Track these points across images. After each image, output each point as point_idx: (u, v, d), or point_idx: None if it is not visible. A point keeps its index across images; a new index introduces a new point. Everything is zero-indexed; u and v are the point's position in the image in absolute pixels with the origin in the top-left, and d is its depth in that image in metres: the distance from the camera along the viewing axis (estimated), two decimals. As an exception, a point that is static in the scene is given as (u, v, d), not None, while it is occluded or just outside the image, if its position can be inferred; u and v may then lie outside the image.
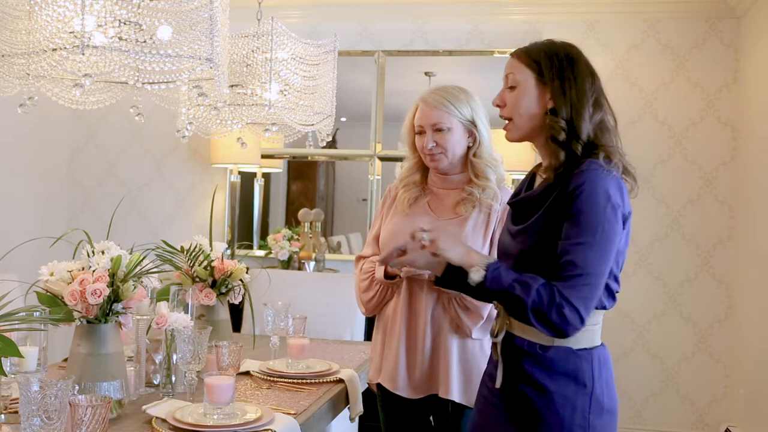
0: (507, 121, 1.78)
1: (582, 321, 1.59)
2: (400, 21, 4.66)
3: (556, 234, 1.64)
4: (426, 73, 4.69)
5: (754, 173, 4.00)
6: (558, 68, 1.70)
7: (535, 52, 1.74)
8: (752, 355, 3.94)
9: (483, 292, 1.70)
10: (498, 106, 1.79)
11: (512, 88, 1.75)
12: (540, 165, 1.86)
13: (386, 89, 4.69)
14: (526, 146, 4.19)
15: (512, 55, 1.78)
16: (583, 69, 1.72)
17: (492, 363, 1.85)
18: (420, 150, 2.31)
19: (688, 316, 4.35)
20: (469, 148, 2.29)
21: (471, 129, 2.28)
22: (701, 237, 4.34)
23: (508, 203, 1.87)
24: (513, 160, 4.05)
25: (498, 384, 1.75)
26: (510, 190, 2.37)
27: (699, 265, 4.34)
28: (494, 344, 1.80)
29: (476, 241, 2.23)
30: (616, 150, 1.70)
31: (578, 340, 1.68)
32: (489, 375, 1.86)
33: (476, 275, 1.66)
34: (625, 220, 1.66)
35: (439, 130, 2.25)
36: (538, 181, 1.81)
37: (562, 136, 1.68)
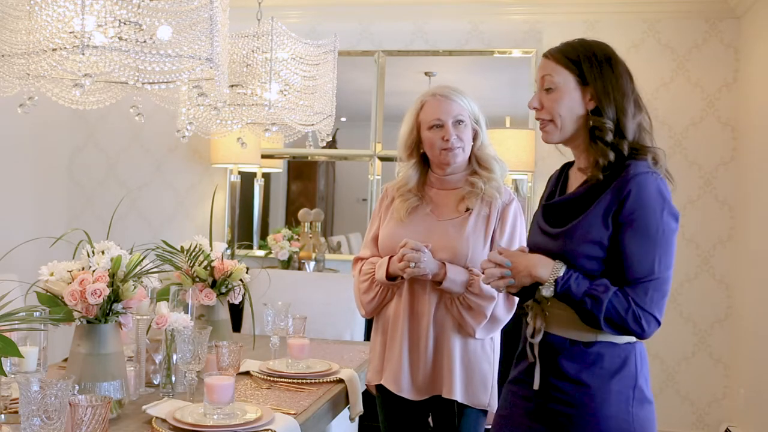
0: (544, 123, 1.76)
1: (659, 323, 1.64)
2: (400, 21, 4.66)
3: (605, 236, 1.64)
4: (426, 73, 4.69)
5: (754, 173, 4.00)
6: (599, 69, 1.70)
7: (572, 53, 1.73)
8: (752, 355, 3.94)
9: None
10: (535, 108, 1.77)
11: (549, 90, 1.73)
12: (568, 164, 1.86)
13: (386, 89, 4.69)
14: (526, 147, 4.21)
15: (547, 56, 1.76)
16: (622, 69, 1.72)
17: (521, 366, 1.82)
18: (433, 146, 2.27)
19: (688, 316, 4.35)
20: (471, 146, 2.30)
21: (475, 127, 2.29)
22: (701, 237, 4.34)
23: (543, 204, 1.83)
24: (513, 161, 4.04)
25: (536, 385, 1.73)
26: (510, 190, 2.37)
27: (699, 265, 4.34)
28: (530, 345, 1.77)
29: (477, 242, 2.23)
30: (662, 153, 1.71)
31: (621, 336, 1.68)
32: (516, 381, 1.83)
33: (546, 291, 1.66)
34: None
35: (459, 122, 2.25)
36: (574, 179, 1.80)
37: (610, 137, 1.68)
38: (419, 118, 2.30)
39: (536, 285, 1.70)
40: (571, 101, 1.71)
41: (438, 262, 2.20)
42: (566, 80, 1.72)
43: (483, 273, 1.78)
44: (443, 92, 2.28)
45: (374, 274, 2.30)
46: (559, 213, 1.76)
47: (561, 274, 1.65)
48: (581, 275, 1.64)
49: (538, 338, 1.74)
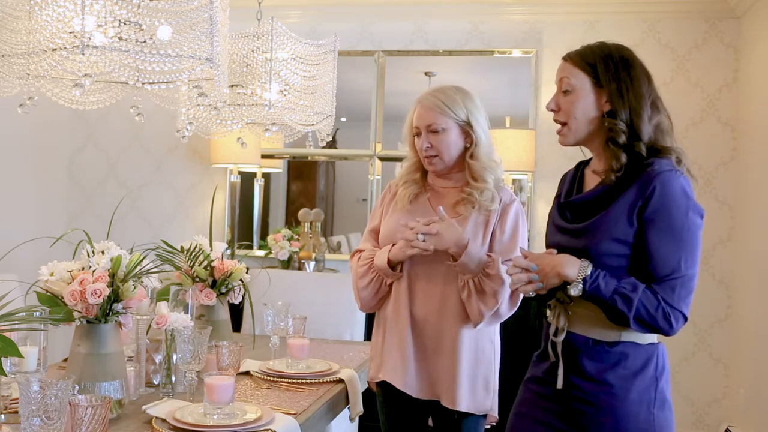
0: (560, 126, 1.78)
1: (685, 320, 1.66)
2: (400, 21, 4.66)
3: (629, 232, 1.65)
4: (426, 73, 4.69)
5: (754, 173, 4.00)
6: (614, 71, 1.71)
7: (589, 55, 1.74)
8: (752, 355, 3.94)
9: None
10: (552, 110, 1.79)
11: (566, 92, 1.75)
12: (584, 162, 1.87)
13: (386, 89, 4.69)
14: (526, 147, 4.21)
15: (566, 59, 1.78)
16: (639, 71, 1.72)
17: (541, 366, 1.82)
18: (419, 151, 2.31)
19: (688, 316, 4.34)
20: (466, 149, 2.28)
21: (467, 130, 2.27)
22: (701, 237, 4.33)
23: (561, 202, 1.84)
24: (513, 161, 4.04)
25: (560, 385, 1.74)
26: (509, 189, 2.37)
27: (699, 265, 4.33)
28: (553, 344, 1.77)
29: (476, 241, 2.22)
30: (684, 153, 1.72)
31: (644, 336, 1.70)
32: (535, 379, 1.83)
33: (574, 290, 1.66)
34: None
35: (434, 131, 2.25)
36: (590, 179, 1.81)
37: (623, 139, 1.69)
38: (412, 122, 2.32)
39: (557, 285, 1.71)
40: (587, 104, 1.73)
41: (462, 231, 2.18)
42: (582, 83, 1.73)
43: (510, 277, 1.78)
44: (425, 100, 2.28)
45: (373, 260, 2.30)
46: (578, 211, 1.76)
47: (589, 273, 1.65)
48: (608, 274, 1.65)
49: (561, 337, 1.74)
